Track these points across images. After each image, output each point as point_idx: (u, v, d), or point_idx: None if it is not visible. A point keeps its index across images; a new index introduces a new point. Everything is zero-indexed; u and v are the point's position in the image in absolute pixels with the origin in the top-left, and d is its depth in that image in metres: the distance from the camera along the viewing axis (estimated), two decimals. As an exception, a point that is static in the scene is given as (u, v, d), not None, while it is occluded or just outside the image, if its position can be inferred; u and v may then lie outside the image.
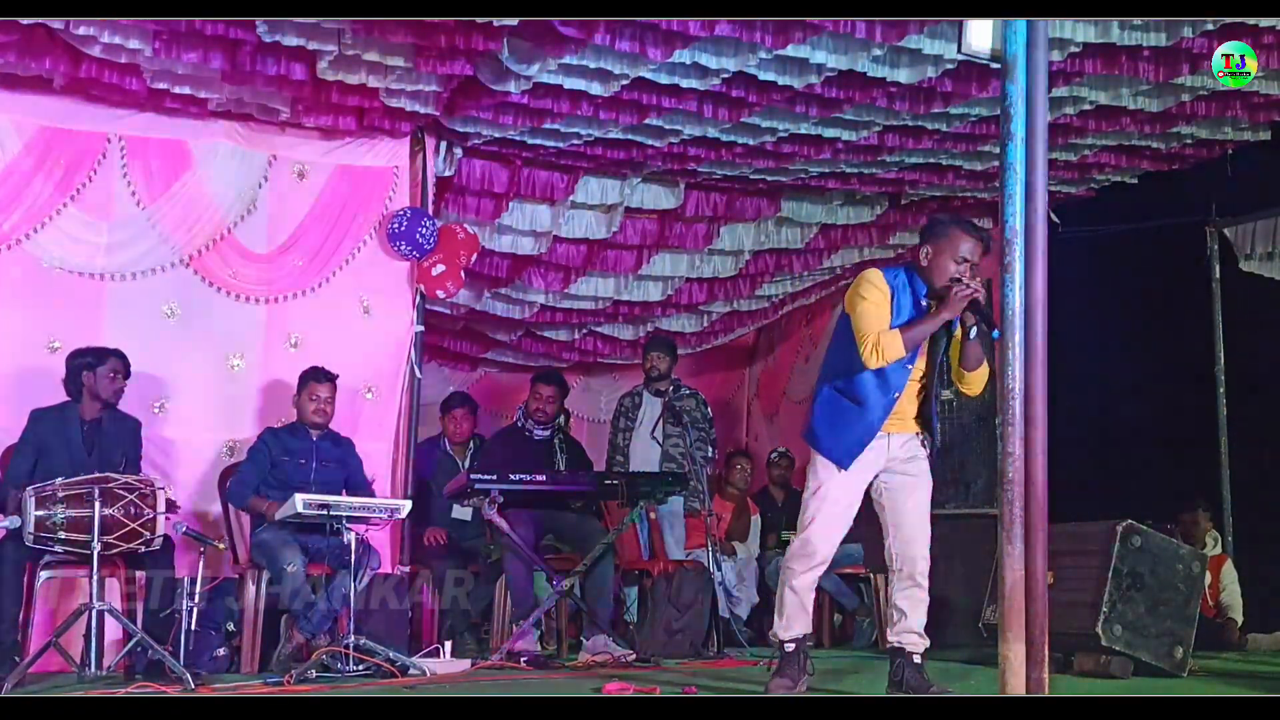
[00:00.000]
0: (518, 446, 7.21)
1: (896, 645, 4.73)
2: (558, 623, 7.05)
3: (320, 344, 6.67)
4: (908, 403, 4.72)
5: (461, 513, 7.26)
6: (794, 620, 4.73)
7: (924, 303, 4.68)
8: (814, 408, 4.81)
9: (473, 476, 6.40)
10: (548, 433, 7.29)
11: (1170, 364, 7.80)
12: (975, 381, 4.77)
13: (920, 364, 4.70)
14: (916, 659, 4.69)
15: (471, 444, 7.78)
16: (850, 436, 4.66)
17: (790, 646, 4.75)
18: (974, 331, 4.62)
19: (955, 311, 4.56)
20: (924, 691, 4.61)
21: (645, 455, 7.69)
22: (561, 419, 7.42)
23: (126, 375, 5.91)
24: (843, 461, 4.67)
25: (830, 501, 4.69)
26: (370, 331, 6.86)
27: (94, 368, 5.82)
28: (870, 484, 4.75)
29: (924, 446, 4.75)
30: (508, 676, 5.72)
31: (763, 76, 5.95)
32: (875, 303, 4.65)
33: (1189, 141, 6.97)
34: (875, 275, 4.71)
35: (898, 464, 4.72)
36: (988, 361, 4.69)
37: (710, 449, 7.79)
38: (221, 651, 5.97)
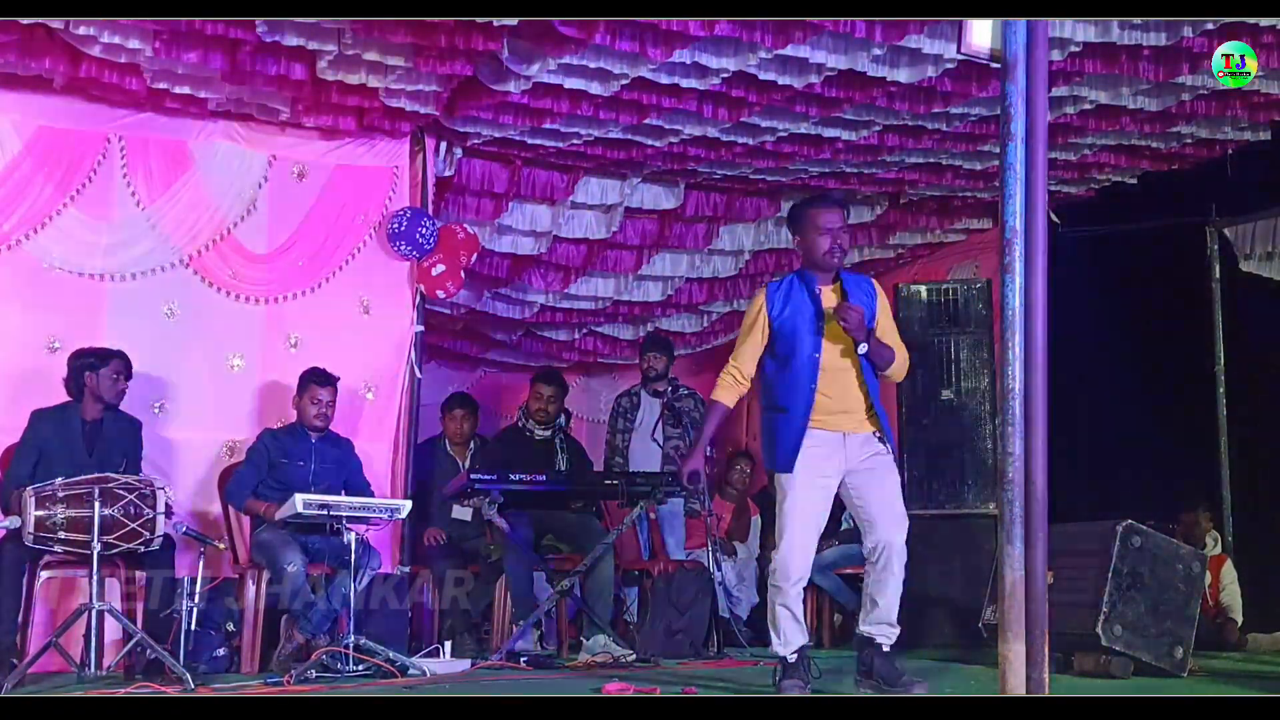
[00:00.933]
0: (518, 446, 7.21)
1: (867, 635, 4.75)
2: (558, 623, 7.05)
3: (320, 344, 6.67)
4: (848, 395, 4.75)
5: (461, 513, 7.25)
6: (791, 635, 4.74)
7: (817, 290, 4.79)
8: (761, 434, 4.94)
9: (473, 476, 6.40)
10: (548, 433, 7.28)
11: (1170, 364, 7.80)
12: (894, 374, 4.92)
13: (832, 349, 4.74)
14: (885, 649, 4.72)
15: (472, 444, 7.78)
16: (786, 440, 4.72)
17: (794, 658, 4.74)
18: (861, 347, 4.73)
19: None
20: (896, 682, 4.64)
21: (645, 456, 7.69)
22: (562, 419, 7.42)
23: (129, 377, 5.91)
24: (787, 464, 4.71)
25: (796, 514, 4.71)
26: (370, 331, 6.86)
27: (96, 369, 5.81)
28: (840, 491, 4.80)
29: (882, 444, 4.79)
30: (508, 676, 5.72)
31: (763, 76, 5.95)
32: (746, 330, 4.91)
33: (1189, 141, 6.97)
34: (757, 298, 4.92)
35: (859, 463, 4.76)
36: (896, 357, 4.86)
37: (710, 449, 7.77)
38: (221, 651, 5.96)
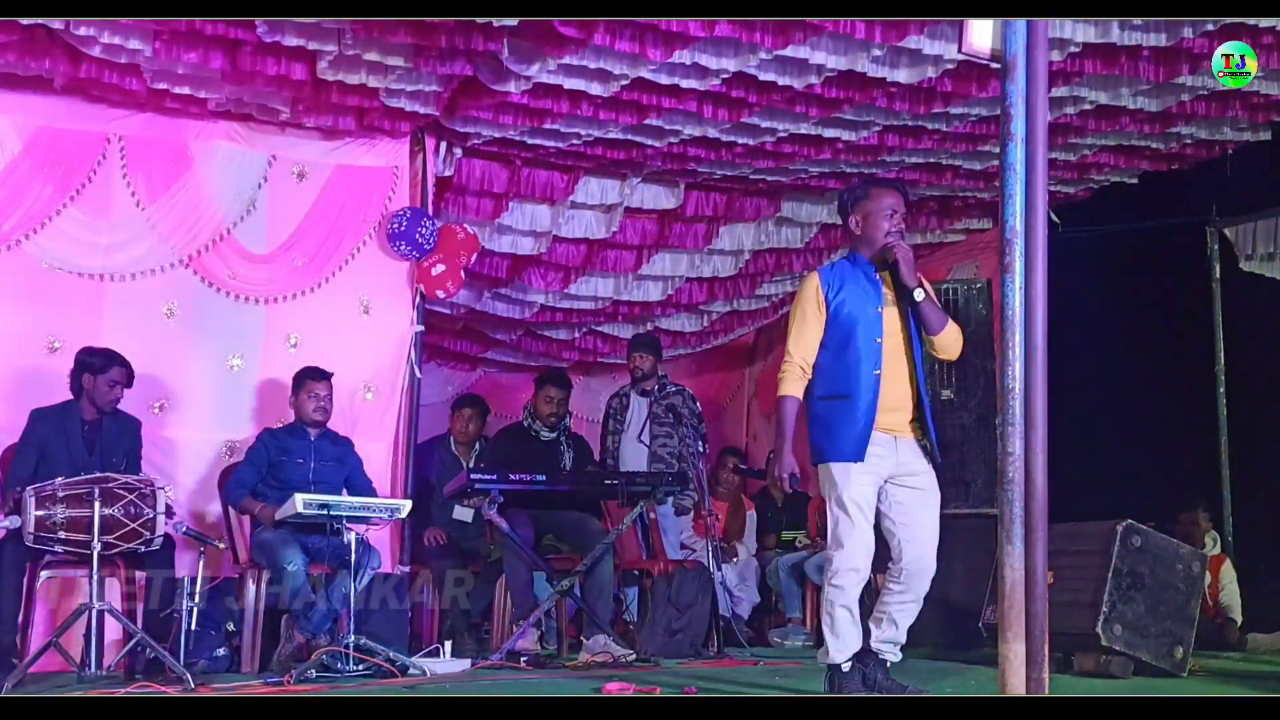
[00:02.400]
0: (523, 445, 7.19)
1: (873, 649, 4.58)
2: (558, 623, 7.05)
3: (320, 344, 6.67)
4: (899, 389, 4.56)
5: (462, 513, 7.26)
6: (850, 640, 4.50)
7: (876, 277, 4.62)
8: (810, 429, 4.67)
9: (473, 476, 6.40)
10: (554, 433, 7.28)
11: (1170, 364, 7.80)
12: (945, 345, 4.67)
13: (898, 333, 4.58)
14: (890, 664, 4.60)
15: (476, 445, 7.78)
16: (852, 428, 4.49)
17: (847, 666, 4.53)
18: (917, 293, 4.56)
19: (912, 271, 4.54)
20: (899, 693, 4.52)
21: (633, 457, 7.66)
22: (567, 419, 7.42)
23: (128, 385, 5.89)
24: (857, 453, 4.47)
25: (855, 508, 4.47)
26: (370, 331, 6.86)
27: (96, 373, 5.80)
28: (880, 489, 4.58)
29: (927, 458, 4.59)
30: (508, 676, 5.72)
31: (763, 77, 5.95)
32: (800, 317, 4.64)
33: (1189, 142, 6.97)
34: (809, 282, 4.68)
35: (906, 473, 4.55)
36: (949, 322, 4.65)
37: (702, 445, 7.75)
38: (221, 651, 5.97)
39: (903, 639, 4.62)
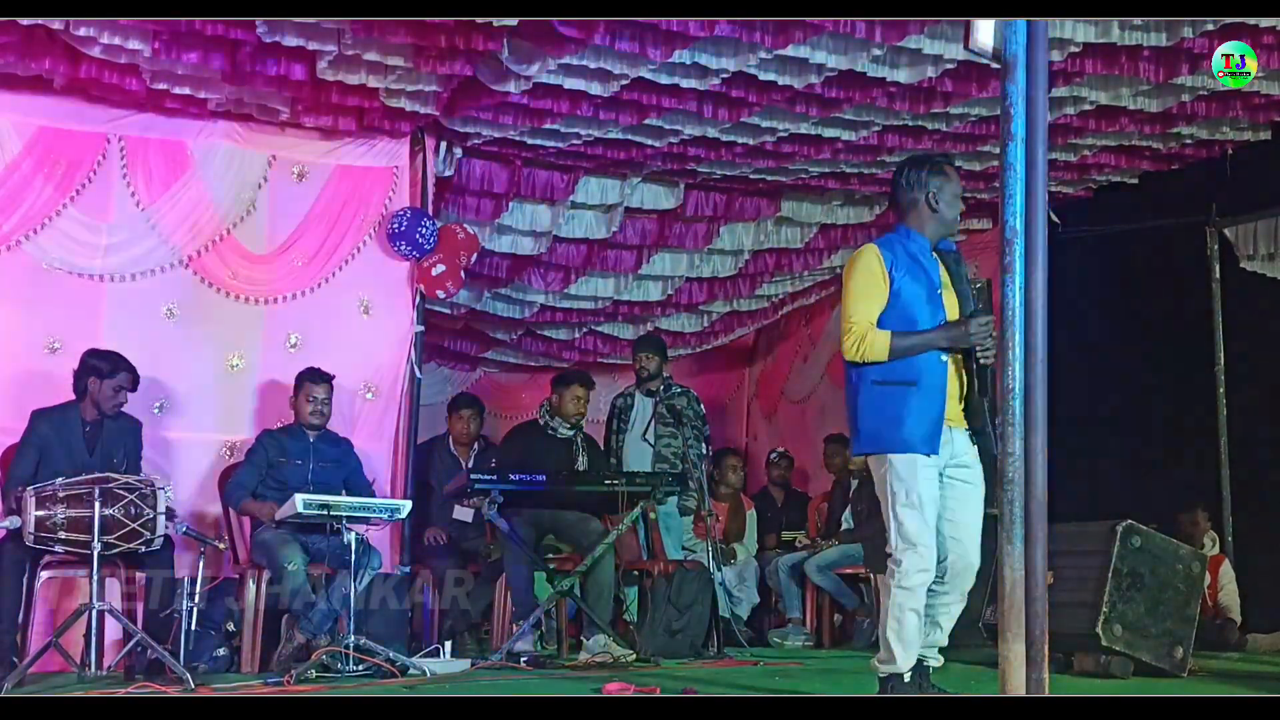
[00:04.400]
0: (538, 443, 7.16)
1: (920, 658, 4.33)
2: (558, 623, 7.05)
3: (320, 344, 6.67)
4: (958, 381, 4.32)
5: (462, 513, 7.25)
6: (915, 647, 4.26)
7: (933, 254, 4.38)
8: (860, 416, 4.34)
9: (473, 476, 6.40)
10: (571, 432, 7.26)
11: (1170, 364, 7.80)
12: None
13: (955, 317, 4.33)
14: (930, 671, 4.42)
15: (476, 445, 7.77)
16: (924, 417, 4.23)
17: (909, 676, 4.26)
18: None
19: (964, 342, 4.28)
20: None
21: (637, 457, 7.65)
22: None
23: (133, 390, 5.89)
24: (930, 446, 4.21)
25: (926, 502, 4.22)
26: (370, 331, 6.86)
27: (102, 377, 5.78)
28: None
29: (980, 450, 4.34)
30: (508, 676, 5.72)
31: (763, 76, 5.95)
32: (866, 286, 4.31)
33: (1189, 142, 6.97)
34: (870, 253, 4.36)
35: (958, 465, 4.32)
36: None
37: (705, 446, 7.75)
38: (221, 651, 5.96)
39: (945, 641, 4.41)
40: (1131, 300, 7.88)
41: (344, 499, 5.86)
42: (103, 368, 5.80)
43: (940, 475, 4.29)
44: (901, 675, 4.26)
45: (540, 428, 7.26)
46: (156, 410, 6.37)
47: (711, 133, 6.67)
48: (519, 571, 6.60)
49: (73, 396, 5.86)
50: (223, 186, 6.59)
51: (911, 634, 4.24)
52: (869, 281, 4.32)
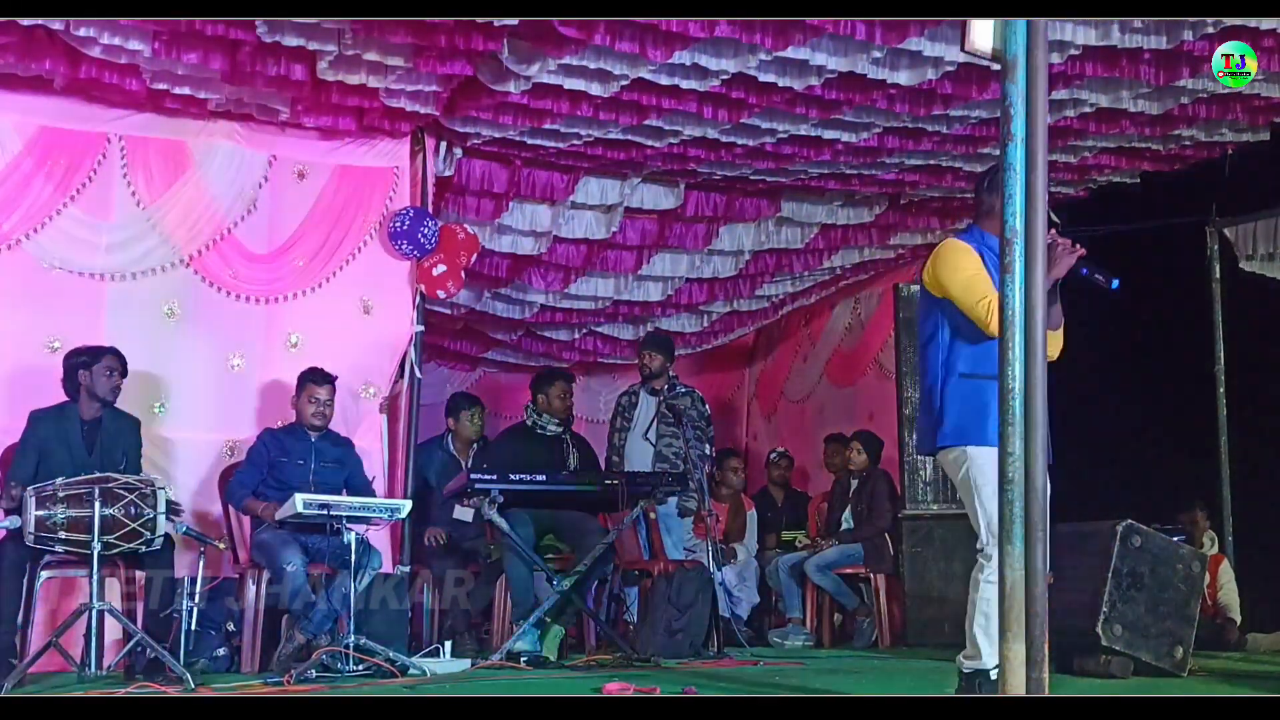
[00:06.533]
0: (528, 443, 7.17)
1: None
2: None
3: (320, 344, 6.67)
4: None
5: (462, 513, 7.24)
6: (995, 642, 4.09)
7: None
8: (947, 409, 4.33)
9: (473, 476, 6.40)
10: (560, 429, 7.27)
11: (1170, 364, 7.80)
12: (1057, 341, 4.50)
13: None
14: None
15: (475, 445, 7.77)
16: (996, 411, 4.06)
17: (995, 674, 3.98)
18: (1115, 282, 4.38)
19: (1062, 270, 4.40)
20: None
21: (639, 455, 7.66)
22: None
23: (124, 373, 5.89)
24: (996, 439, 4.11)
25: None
26: (370, 331, 6.86)
27: (90, 366, 5.80)
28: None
29: None
30: (508, 676, 5.72)
31: (763, 78, 5.95)
32: (975, 270, 4.34)
33: (1189, 143, 6.97)
34: (960, 246, 4.43)
35: None
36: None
37: (708, 447, 7.75)
38: (221, 651, 5.97)
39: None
40: (1131, 300, 7.86)
41: (344, 499, 5.87)
42: (86, 358, 5.81)
43: None
44: (988, 672, 4.22)
45: (529, 428, 7.28)
46: (156, 410, 6.37)
47: (711, 134, 6.67)
48: (519, 571, 6.60)
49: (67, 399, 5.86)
50: (223, 186, 6.59)
51: (995, 630, 4.10)
52: (973, 262, 4.35)
